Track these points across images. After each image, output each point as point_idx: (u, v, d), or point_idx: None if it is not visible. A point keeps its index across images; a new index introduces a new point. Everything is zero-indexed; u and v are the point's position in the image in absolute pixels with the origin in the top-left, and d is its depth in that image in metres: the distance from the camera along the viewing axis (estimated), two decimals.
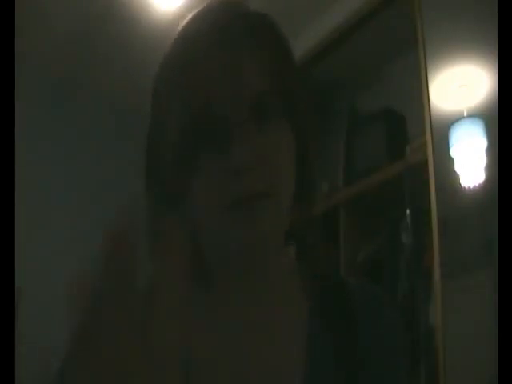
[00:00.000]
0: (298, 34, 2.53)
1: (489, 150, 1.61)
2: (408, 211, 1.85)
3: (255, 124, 0.55)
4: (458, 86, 1.73)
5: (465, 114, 1.68)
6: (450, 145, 1.71)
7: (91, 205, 2.80)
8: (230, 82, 0.55)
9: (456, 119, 1.70)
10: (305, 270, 0.67)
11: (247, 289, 0.62)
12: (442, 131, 1.73)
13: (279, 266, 0.63)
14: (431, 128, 1.75)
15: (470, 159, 1.66)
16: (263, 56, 0.57)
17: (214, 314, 0.62)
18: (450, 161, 1.70)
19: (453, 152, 1.70)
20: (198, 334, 0.60)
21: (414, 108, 1.87)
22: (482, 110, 1.64)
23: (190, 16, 0.60)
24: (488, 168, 1.60)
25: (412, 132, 2.03)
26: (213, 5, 0.59)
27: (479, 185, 1.61)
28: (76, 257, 2.64)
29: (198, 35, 0.57)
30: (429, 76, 1.80)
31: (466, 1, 1.74)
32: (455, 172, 1.68)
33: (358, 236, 2.12)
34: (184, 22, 0.60)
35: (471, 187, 1.63)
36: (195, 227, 0.59)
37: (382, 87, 2.35)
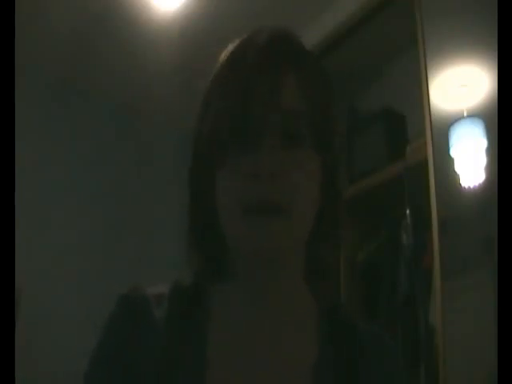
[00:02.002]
0: (298, 33, 2.53)
1: (489, 150, 1.61)
2: (408, 211, 1.85)
3: (283, 141, 0.58)
4: (458, 85, 1.73)
5: (465, 114, 1.68)
6: (450, 145, 1.71)
7: (91, 205, 2.80)
8: (269, 97, 0.57)
9: (456, 119, 1.70)
10: (317, 302, 0.68)
11: (260, 300, 0.62)
12: (441, 131, 1.73)
13: (291, 284, 0.64)
14: (431, 128, 1.75)
15: (469, 159, 1.66)
16: (305, 93, 0.60)
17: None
18: (450, 161, 1.70)
19: (453, 152, 1.70)
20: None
21: (414, 108, 1.87)
22: (482, 109, 1.63)
23: (241, 38, 0.64)
24: (488, 168, 1.60)
25: (412, 132, 2.03)
26: (265, 29, 0.63)
27: (479, 185, 1.61)
28: (76, 257, 2.65)
29: (245, 55, 0.60)
30: (429, 76, 1.80)
31: (466, 1, 1.74)
32: (455, 172, 1.68)
33: (358, 236, 2.12)
34: (235, 43, 0.64)
35: (471, 187, 1.63)
36: (220, 225, 0.61)
37: (382, 87, 2.35)
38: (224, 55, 0.64)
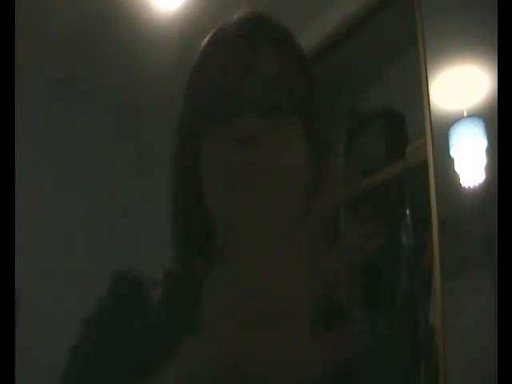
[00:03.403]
0: (298, 33, 2.53)
1: (489, 150, 1.61)
2: (408, 211, 1.85)
3: (262, 109, 0.59)
4: (458, 85, 1.73)
5: (465, 114, 1.68)
6: (450, 145, 1.71)
7: (91, 205, 2.81)
8: (247, 65, 0.60)
9: (456, 119, 1.70)
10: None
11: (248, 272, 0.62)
12: (441, 131, 1.73)
13: (281, 255, 0.63)
14: (431, 128, 1.75)
15: (469, 159, 1.66)
16: (282, 62, 0.62)
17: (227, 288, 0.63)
18: (450, 161, 1.70)
19: (453, 152, 1.70)
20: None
21: (414, 108, 1.87)
22: (482, 109, 1.63)
23: (225, 21, 0.68)
24: (488, 168, 1.60)
25: (412, 132, 2.03)
26: (243, 16, 0.67)
27: (479, 185, 1.61)
28: (76, 257, 2.65)
29: (222, 34, 0.65)
30: (429, 76, 1.80)
31: (466, 1, 1.74)
32: (455, 172, 1.68)
33: (358, 236, 2.12)
34: (216, 27, 0.68)
35: (471, 187, 1.63)
36: (205, 199, 0.62)
37: (382, 87, 2.35)
38: (205, 39, 0.68)
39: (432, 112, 1.76)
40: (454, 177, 1.67)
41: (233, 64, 0.60)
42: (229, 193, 0.58)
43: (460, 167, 1.68)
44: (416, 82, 1.83)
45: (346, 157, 2.25)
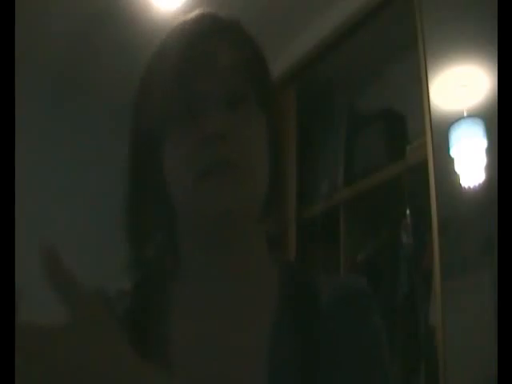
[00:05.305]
0: (298, 33, 2.53)
1: (489, 150, 1.61)
2: (408, 211, 1.85)
3: (227, 103, 0.60)
4: (458, 85, 1.73)
5: (465, 114, 1.68)
6: (450, 145, 1.71)
7: (91, 205, 2.81)
8: (206, 66, 0.60)
9: (456, 119, 1.70)
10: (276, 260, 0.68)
11: (220, 263, 0.62)
12: (441, 131, 1.73)
13: (252, 241, 0.64)
14: (431, 128, 1.75)
15: (469, 159, 1.66)
16: (236, 51, 0.63)
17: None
18: (450, 161, 1.70)
19: (453, 152, 1.70)
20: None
21: (414, 108, 1.87)
22: (482, 109, 1.64)
23: (175, 25, 0.69)
24: (488, 168, 1.60)
25: (412, 132, 2.03)
26: (193, 17, 0.69)
27: (479, 185, 1.61)
28: (76, 257, 2.65)
29: (181, 36, 0.65)
30: (429, 76, 1.80)
31: (466, 1, 1.74)
32: (455, 172, 1.68)
33: (358, 236, 2.12)
34: (170, 31, 0.69)
35: (471, 187, 1.63)
36: (169, 199, 0.62)
37: (382, 87, 2.35)
38: (161, 41, 0.69)
39: (432, 112, 1.76)
40: (454, 177, 1.68)
41: (192, 62, 0.60)
42: (200, 191, 0.57)
43: (460, 167, 1.68)
44: (416, 82, 1.83)
45: (346, 157, 2.25)
